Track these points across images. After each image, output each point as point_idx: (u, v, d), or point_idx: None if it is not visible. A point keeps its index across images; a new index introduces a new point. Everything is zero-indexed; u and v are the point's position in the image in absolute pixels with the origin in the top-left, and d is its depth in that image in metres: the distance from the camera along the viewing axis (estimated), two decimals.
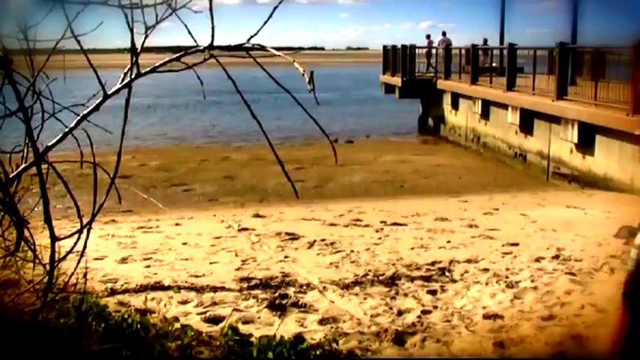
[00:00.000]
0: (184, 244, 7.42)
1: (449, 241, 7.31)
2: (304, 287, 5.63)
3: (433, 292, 5.54)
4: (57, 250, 2.30)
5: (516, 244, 7.11)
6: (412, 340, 4.43)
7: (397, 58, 25.00)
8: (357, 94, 43.58)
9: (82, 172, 2.74)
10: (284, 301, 5.20)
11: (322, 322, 4.77)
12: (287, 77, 2.19)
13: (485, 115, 18.84)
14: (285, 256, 6.82)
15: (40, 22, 2.14)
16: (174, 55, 2.33)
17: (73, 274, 2.75)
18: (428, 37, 26.92)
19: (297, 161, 16.73)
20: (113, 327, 3.21)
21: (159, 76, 2.50)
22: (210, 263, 6.48)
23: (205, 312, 4.90)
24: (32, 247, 2.35)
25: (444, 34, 26.56)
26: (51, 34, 2.19)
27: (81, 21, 2.17)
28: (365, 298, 5.35)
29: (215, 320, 4.68)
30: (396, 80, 24.86)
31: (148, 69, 2.33)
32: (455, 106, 21.56)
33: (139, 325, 3.35)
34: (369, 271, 5.94)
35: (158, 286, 5.54)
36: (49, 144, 2.27)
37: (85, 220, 2.36)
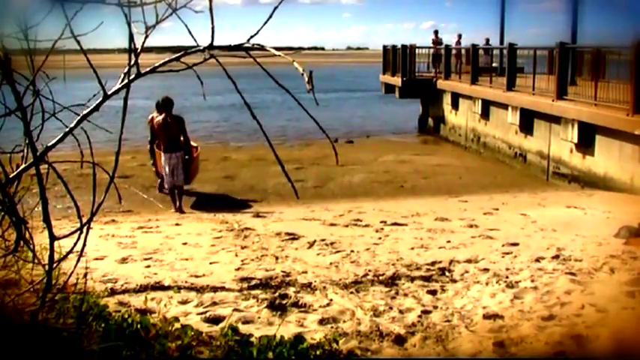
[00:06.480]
0: (184, 244, 7.41)
1: (449, 241, 7.31)
2: (304, 287, 5.63)
3: (433, 292, 5.54)
4: (57, 249, 2.30)
5: (516, 244, 7.10)
6: (412, 340, 4.43)
7: (397, 58, 24.98)
8: (356, 94, 43.56)
9: (82, 171, 2.75)
10: (284, 301, 5.20)
11: (322, 322, 4.77)
12: (288, 78, 2.19)
13: (485, 115, 18.85)
14: (286, 256, 6.82)
15: (41, 22, 2.13)
16: (174, 55, 2.33)
17: (72, 273, 2.75)
18: (436, 33, 26.35)
19: (297, 161, 16.73)
20: (113, 327, 3.20)
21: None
22: (210, 263, 6.48)
23: (205, 312, 4.90)
24: (31, 247, 2.34)
25: (435, 32, 26.29)
26: (52, 35, 2.19)
27: (81, 21, 2.17)
28: (365, 298, 5.35)
29: (215, 320, 4.68)
30: (396, 80, 24.85)
31: (147, 69, 2.33)
32: (455, 106, 21.57)
33: (139, 325, 3.34)
34: (369, 271, 5.93)
35: (158, 286, 5.54)
36: (49, 144, 2.26)
37: (85, 220, 2.36)
